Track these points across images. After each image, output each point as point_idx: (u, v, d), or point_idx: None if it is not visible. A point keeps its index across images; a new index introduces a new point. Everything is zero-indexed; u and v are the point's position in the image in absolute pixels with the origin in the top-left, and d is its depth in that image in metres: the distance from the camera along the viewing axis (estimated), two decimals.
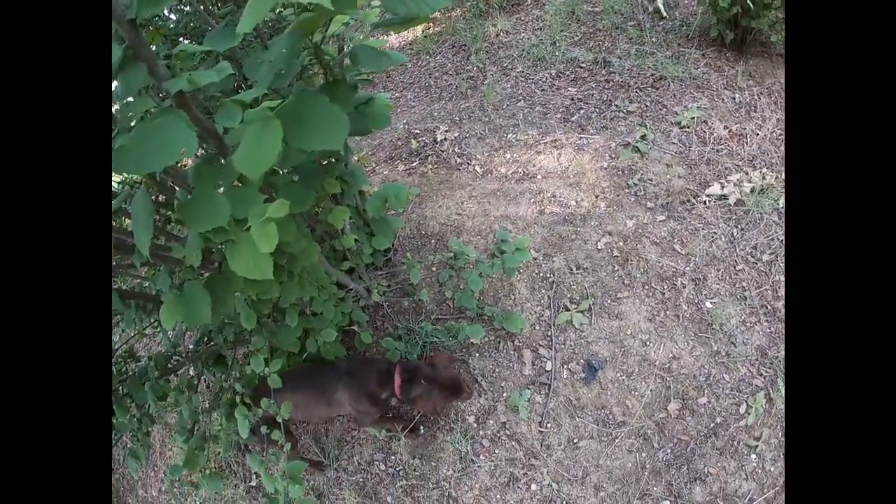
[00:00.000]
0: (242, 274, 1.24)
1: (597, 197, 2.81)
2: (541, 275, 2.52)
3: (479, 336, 2.27)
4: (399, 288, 2.57)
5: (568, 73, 3.76)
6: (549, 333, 2.39)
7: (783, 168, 2.98)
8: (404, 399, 1.96)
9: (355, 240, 2.20)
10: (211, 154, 1.34)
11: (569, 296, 2.47)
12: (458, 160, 3.11)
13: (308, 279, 1.89)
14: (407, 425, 2.25)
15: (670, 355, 2.36)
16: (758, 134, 3.17)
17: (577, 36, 4.07)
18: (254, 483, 2.66)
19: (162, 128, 0.99)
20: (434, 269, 2.59)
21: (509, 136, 3.24)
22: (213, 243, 1.29)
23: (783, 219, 2.80)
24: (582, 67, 3.77)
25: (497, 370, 2.36)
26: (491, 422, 2.29)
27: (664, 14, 4.12)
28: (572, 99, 3.49)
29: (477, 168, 3.06)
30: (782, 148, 3.13)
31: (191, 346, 2.70)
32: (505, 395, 2.31)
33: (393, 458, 2.36)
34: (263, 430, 1.78)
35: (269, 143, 0.93)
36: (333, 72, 1.23)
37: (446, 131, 3.31)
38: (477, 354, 2.39)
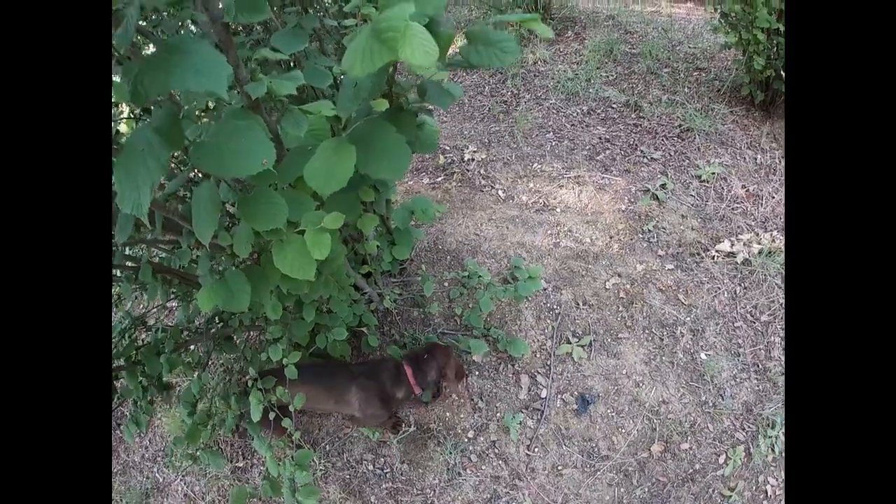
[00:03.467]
0: (286, 272, 1.33)
1: (611, 238, 2.91)
2: (548, 305, 2.62)
3: (481, 351, 2.36)
4: (411, 297, 2.66)
5: (599, 111, 3.88)
6: (549, 362, 2.49)
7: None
8: (423, 387, 2.05)
9: (377, 246, 2.30)
10: None
11: (572, 329, 2.57)
12: (483, 182, 3.22)
13: (332, 279, 1.99)
14: (398, 424, 2.34)
15: (660, 399, 2.46)
16: (773, 197, 3.28)
17: (612, 75, 4.19)
18: (240, 464, 2.74)
19: (241, 133, 1.07)
20: (447, 284, 2.69)
21: (535, 165, 3.35)
22: (262, 238, 1.39)
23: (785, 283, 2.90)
24: (613, 108, 3.89)
25: (494, 391, 2.45)
26: (482, 439, 2.38)
27: None
28: (600, 138, 3.61)
29: (500, 192, 3.17)
30: None
31: (201, 323, 2.79)
32: (499, 415, 2.41)
33: (382, 459, 2.45)
34: (271, 416, 1.87)
35: (342, 166, 1.02)
36: (399, 100, 1.33)
37: (475, 151, 3.42)
38: (477, 373, 2.49)
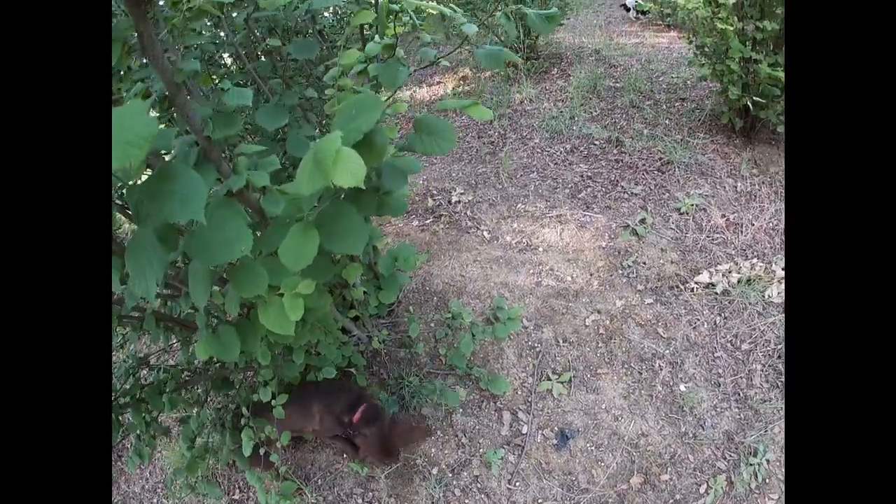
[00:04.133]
0: (269, 328, 1.49)
1: (591, 275, 3.05)
2: (529, 343, 2.75)
3: (455, 403, 2.49)
4: (398, 338, 2.81)
5: (582, 148, 4.04)
6: (530, 399, 2.60)
7: (773, 259, 3.20)
8: (354, 432, 2.11)
9: (364, 292, 2.46)
10: (253, 223, 1.63)
11: (552, 366, 2.69)
12: (469, 223, 3.38)
13: (318, 325, 2.15)
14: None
15: (639, 432, 2.56)
16: (753, 224, 3.39)
17: (595, 111, 4.36)
18: (236, 496, 2.86)
19: (224, 222, 1.24)
20: (433, 325, 2.83)
21: (518, 205, 3.50)
22: (248, 300, 1.55)
23: (766, 309, 3.01)
24: (595, 144, 4.05)
25: (477, 427, 2.57)
26: (465, 474, 2.49)
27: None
28: (582, 176, 3.76)
29: (485, 233, 3.32)
30: (776, 239, 3.36)
31: (200, 364, 2.95)
32: (482, 450, 2.52)
33: (370, 493, 2.57)
34: (261, 451, 2.01)
35: (308, 246, 1.19)
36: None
37: (461, 193, 3.59)
38: (461, 410, 2.61)
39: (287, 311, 1.41)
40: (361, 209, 1.31)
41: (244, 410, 2.21)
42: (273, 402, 2.05)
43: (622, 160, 3.86)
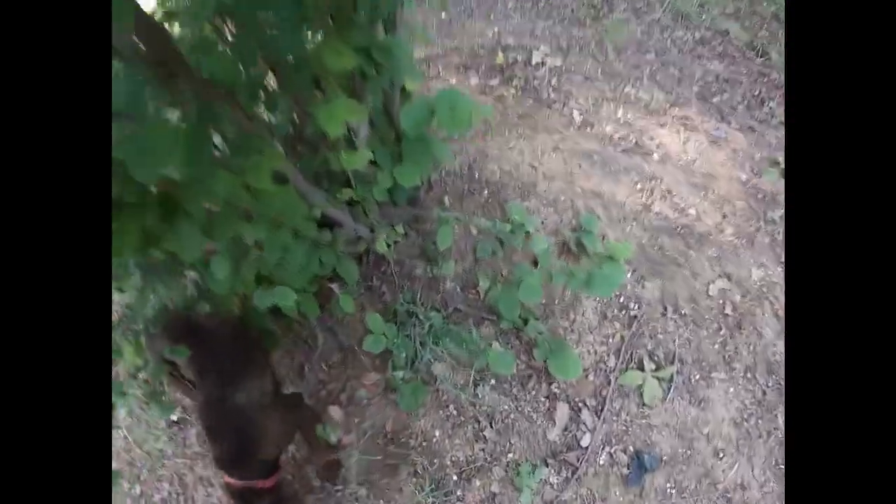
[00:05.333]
0: None
1: (724, 217, 1.94)
2: (622, 301, 1.67)
3: (508, 372, 1.44)
4: (418, 246, 1.69)
5: (715, 43, 2.79)
6: (604, 392, 1.58)
7: None
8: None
9: (372, 161, 1.32)
10: None
11: (650, 347, 1.64)
12: (553, 95, 2.17)
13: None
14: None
15: (739, 481, 1.59)
16: None
17: (730, 8, 3.07)
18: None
19: None
20: (475, 233, 1.71)
21: (627, 88, 2.30)
22: None
23: None
24: (733, 45, 2.81)
25: (513, 416, 1.55)
26: (478, 483, 1.50)
27: None
28: (716, 77, 2.55)
29: (575, 114, 2.13)
30: None
31: None
32: (512, 455, 1.52)
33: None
34: None
35: None
36: None
37: (547, 55, 2.34)
38: (493, 382, 1.56)
39: None
40: None
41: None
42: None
43: (769, 76, 2.65)
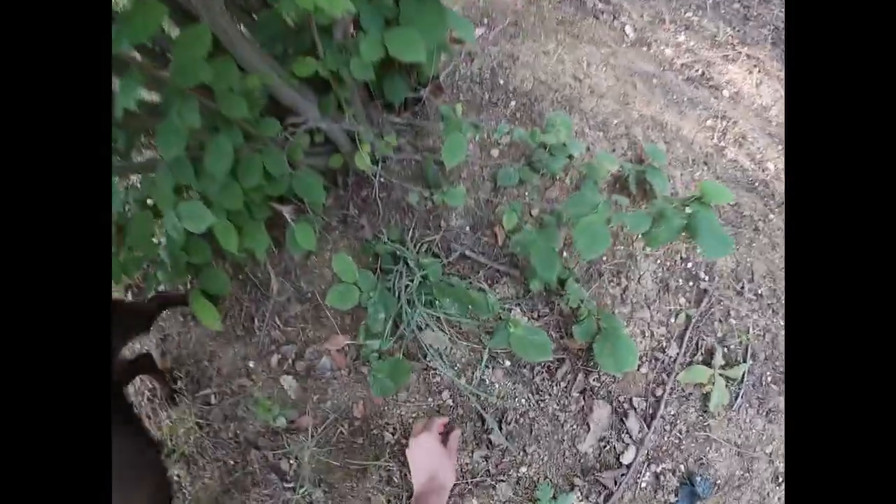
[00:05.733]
0: None
1: None
2: (689, 265, 1.22)
3: (540, 358, 0.98)
4: (412, 165, 1.19)
5: None
6: (661, 394, 1.14)
7: None
8: None
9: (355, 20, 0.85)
10: None
11: (720, 335, 1.20)
12: (600, 6, 1.67)
13: None
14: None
15: None
16: None
17: None
18: None
19: None
20: (496, 155, 1.22)
21: (688, 14, 1.82)
22: None
23: None
24: None
25: (532, 415, 1.09)
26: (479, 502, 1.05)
27: None
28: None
29: (627, 29, 1.65)
30: None
31: None
32: (525, 469, 1.07)
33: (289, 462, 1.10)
34: None
35: None
36: None
37: None
38: (507, 364, 1.10)
39: None
40: None
41: None
42: None
43: None
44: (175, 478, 1.30)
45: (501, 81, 1.34)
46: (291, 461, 1.16)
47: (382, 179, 1.20)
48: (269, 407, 1.15)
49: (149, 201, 1.28)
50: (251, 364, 1.25)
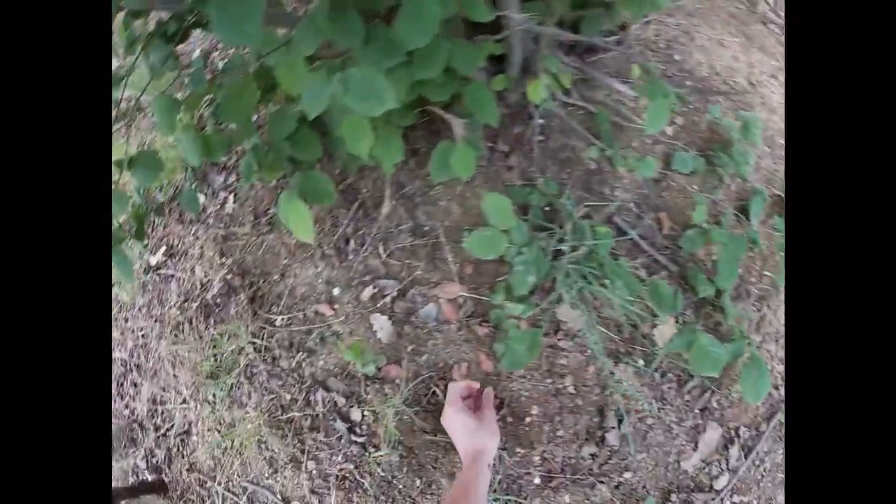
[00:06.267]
0: None
1: None
2: None
3: (711, 372, 0.90)
4: (580, 112, 1.05)
5: None
6: (763, 429, 1.09)
7: None
8: None
9: None
10: None
11: None
12: (770, 14, 1.56)
13: None
14: None
15: None
16: None
17: None
18: None
19: None
20: (669, 134, 1.10)
21: None
22: None
23: None
24: None
25: (651, 422, 1.01)
26: (567, 500, 0.96)
27: None
28: None
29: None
30: None
31: None
32: (630, 475, 1.00)
33: None
34: None
35: None
36: None
37: None
38: (641, 364, 1.00)
39: None
40: None
41: None
42: None
43: None
44: (209, 398, 1.11)
45: (677, 57, 1.21)
46: (366, 413, 1.01)
47: (543, 121, 1.05)
48: (361, 348, 0.99)
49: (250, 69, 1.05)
50: (336, 291, 1.07)
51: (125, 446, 1.27)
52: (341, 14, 0.75)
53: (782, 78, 1.39)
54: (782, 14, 1.58)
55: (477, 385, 0.95)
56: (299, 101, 0.82)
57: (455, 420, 0.87)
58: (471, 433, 0.86)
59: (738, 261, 0.94)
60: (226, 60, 1.35)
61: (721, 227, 1.01)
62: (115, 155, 0.92)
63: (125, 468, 1.26)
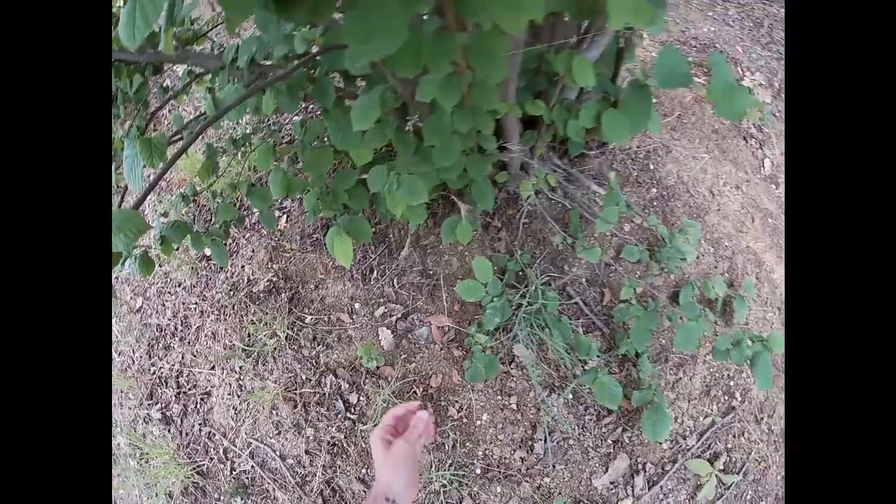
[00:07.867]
0: None
1: None
2: (731, 384, 1.45)
3: (609, 405, 1.23)
4: (560, 205, 1.40)
5: None
6: (668, 468, 1.37)
7: None
8: None
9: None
10: None
11: (729, 445, 1.44)
12: (752, 130, 1.86)
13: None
14: None
15: None
16: None
17: None
18: None
19: None
20: (627, 229, 1.43)
21: None
22: None
23: None
24: None
25: (571, 443, 1.33)
26: (499, 490, 1.29)
27: None
28: None
29: (766, 163, 1.84)
30: None
31: None
32: (548, 480, 1.31)
33: None
34: None
35: None
36: None
37: (758, 84, 2.02)
38: (570, 397, 1.32)
39: None
40: None
41: None
42: None
43: None
44: (235, 368, 1.51)
45: (651, 166, 1.54)
46: (362, 398, 1.39)
47: (530, 208, 1.40)
48: (369, 349, 1.37)
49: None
50: (356, 306, 1.46)
51: (143, 398, 1.63)
52: (404, 133, 1.15)
53: (745, 188, 1.68)
54: (766, 130, 1.86)
55: (416, 406, 0.80)
56: (357, 166, 1.22)
57: (373, 446, 0.76)
58: (378, 464, 0.75)
59: (650, 332, 1.25)
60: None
61: (649, 306, 1.32)
62: (229, 179, 1.35)
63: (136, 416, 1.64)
